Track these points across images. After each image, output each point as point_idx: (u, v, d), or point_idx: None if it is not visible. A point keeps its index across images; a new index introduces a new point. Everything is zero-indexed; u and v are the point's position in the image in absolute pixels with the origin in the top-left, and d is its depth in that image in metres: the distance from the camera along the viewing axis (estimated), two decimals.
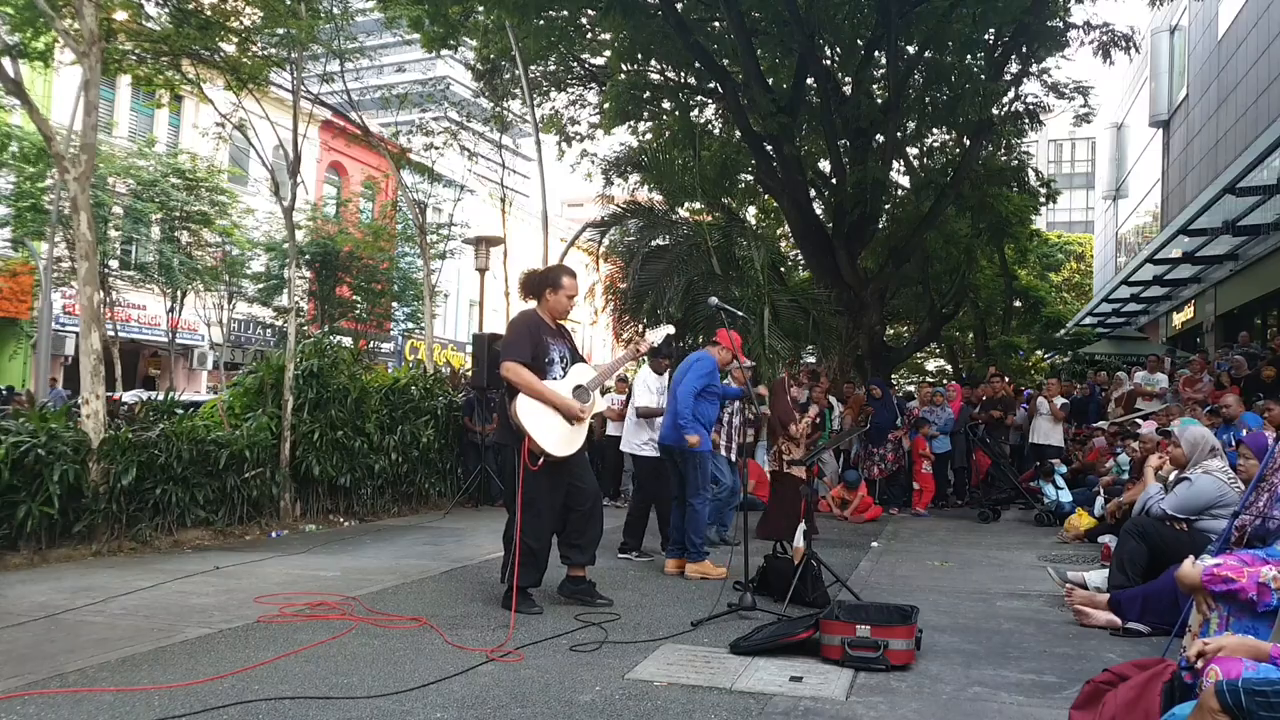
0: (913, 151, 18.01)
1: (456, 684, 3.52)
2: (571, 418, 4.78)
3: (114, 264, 18.76)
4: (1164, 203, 25.17)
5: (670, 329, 5.66)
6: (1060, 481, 9.81)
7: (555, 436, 4.72)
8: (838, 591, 5.15)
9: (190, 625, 4.43)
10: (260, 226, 22.18)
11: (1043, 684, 3.66)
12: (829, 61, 15.46)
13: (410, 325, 27.11)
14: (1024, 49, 14.09)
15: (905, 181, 18.48)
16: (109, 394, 7.82)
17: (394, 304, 25.02)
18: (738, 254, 13.53)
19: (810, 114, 15.36)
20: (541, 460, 4.67)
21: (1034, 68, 15.17)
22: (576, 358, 5.04)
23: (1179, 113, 24.32)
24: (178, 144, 21.29)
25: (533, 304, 5.07)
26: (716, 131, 17.60)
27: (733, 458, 7.56)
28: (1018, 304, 25.00)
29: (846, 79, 15.74)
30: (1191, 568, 3.17)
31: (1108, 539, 6.70)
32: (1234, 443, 6.07)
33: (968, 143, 15.51)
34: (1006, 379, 14.85)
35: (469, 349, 14.82)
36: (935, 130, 17.33)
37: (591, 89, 17.70)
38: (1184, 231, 17.85)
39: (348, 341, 13.15)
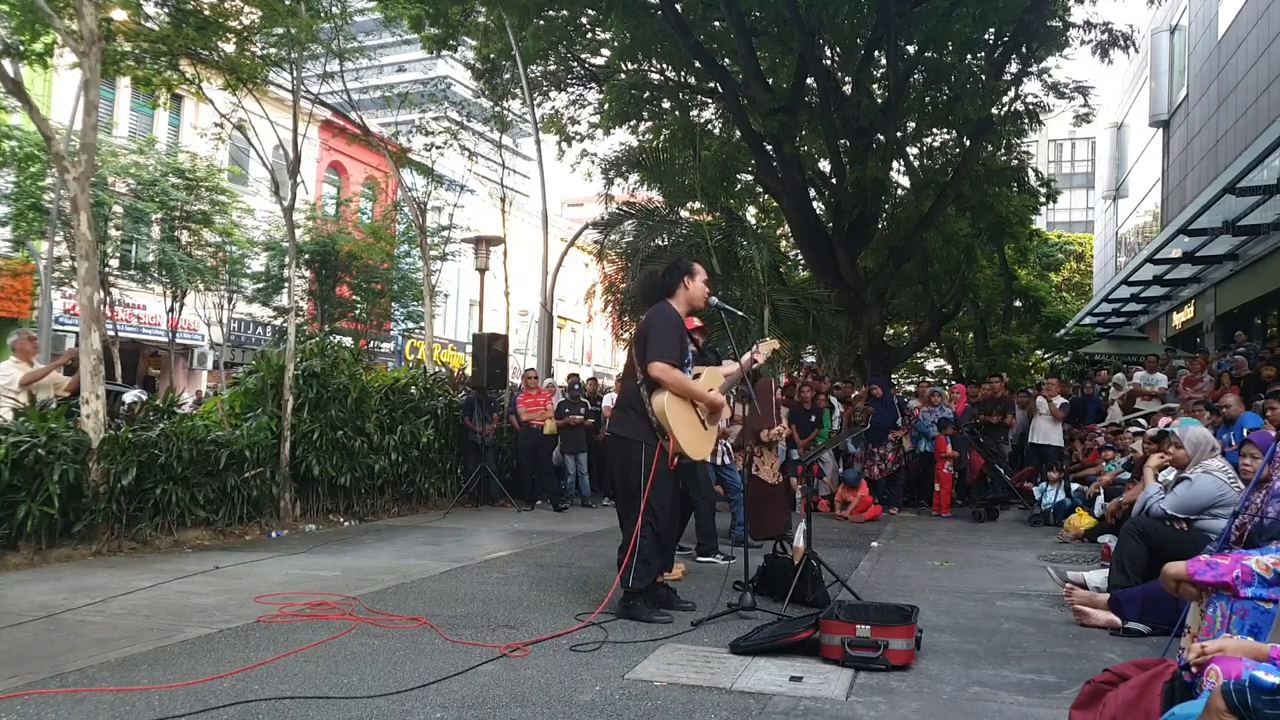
0: (913, 151, 18.01)
1: (456, 684, 3.52)
2: (706, 422, 4.78)
3: (114, 264, 18.74)
4: (1164, 202, 25.17)
5: (775, 343, 5.60)
6: (1053, 493, 9.79)
7: (694, 439, 4.72)
8: (838, 591, 5.15)
9: (190, 625, 4.43)
10: (260, 226, 22.18)
11: (1043, 684, 3.66)
12: (829, 61, 15.46)
13: (410, 325, 27.10)
14: (1024, 49, 14.10)
15: (905, 181, 18.49)
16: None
17: (394, 304, 25.01)
18: (738, 254, 13.53)
19: (810, 114, 15.37)
20: (677, 460, 4.66)
21: (1034, 67, 15.18)
22: (700, 359, 5.01)
23: (1179, 112, 24.32)
24: (177, 144, 21.28)
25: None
26: (716, 131, 17.61)
27: (720, 460, 7.55)
28: (1018, 304, 25.01)
29: (846, 79, 15.75)
30: (1176, 562, 3.18)
31: (1108, 539, 6.70)
32: (1233, 443, 6.08)
33: (968, 143, 15.52)
34: (1005, 377, 14.85)
35: (469, 349, 14.81)
36: (935, 130, 17.33)
37: (591, 89, 17.71)
38: (1184, 231, 17.84)
39: (348, 341, 13.14)
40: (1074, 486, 9.62)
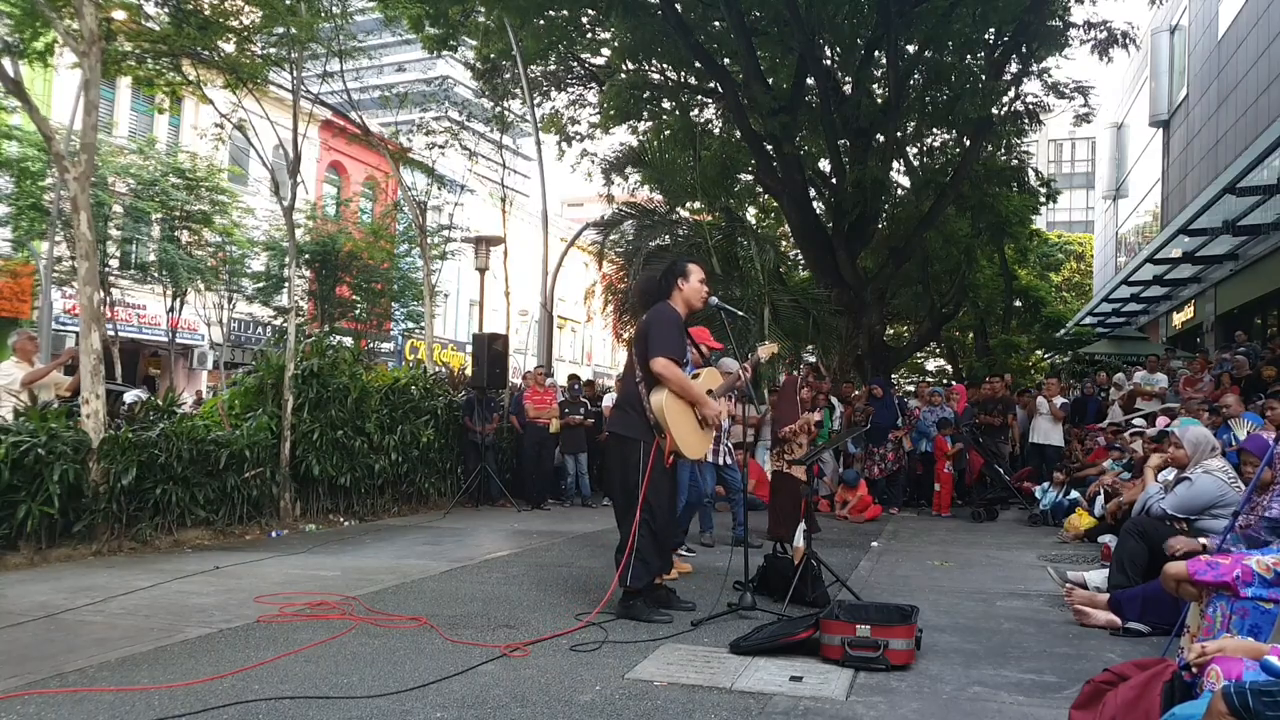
0: (913, 151, 18.02)
1: (456, 684, 3.52)
2: (704, 422, 4.79)
3: (114, 263, 18.74)
4: (1164, 202, 25.17)
5: (775, 346, 5.65)
6: (1053, 494, 9.80)
7: (691, 438, 4.74)
8: (838, 591, 5.15)
9: (190, 625, 4.43)
10: (260, 226, 22.18)
11: (1043, 684, 3.66)
12: (829, 61, 15.46)
13: (410, 325, 27.10)
14: (1024, 49, 14.09)
15: (905, 181, 18.50)
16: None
17: (394, 304, 25.00)
18: (738, 254, 13.53)
19: (810, 114, 15.36)
20: (672, 459, 4.68)
21: (1034, 67, 15.17)
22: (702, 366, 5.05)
23: (1179, 112, 24.32)
24: (177, 144, 21.29)
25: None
26: (716, 131, 17.61)
27: (722, 460, 7.54)
28: (1018, 304, 25.02)
29: (846, 79, 15.75)
30: (1177, 562, 3.18)
31: (1108, 539, 6.70)
32: (1233, 443, 6.07)
33: (968, 143, 15.51)
34: (1006, 376, 14.84)
35: (469, 349, 14.81)
36: (935, 130, 17.33)
37: (591, 89, 17.71)
38: (1184, 231, 17.84)
39: (348, 341, 13.14)
40: (1071, 494, 9.63)
